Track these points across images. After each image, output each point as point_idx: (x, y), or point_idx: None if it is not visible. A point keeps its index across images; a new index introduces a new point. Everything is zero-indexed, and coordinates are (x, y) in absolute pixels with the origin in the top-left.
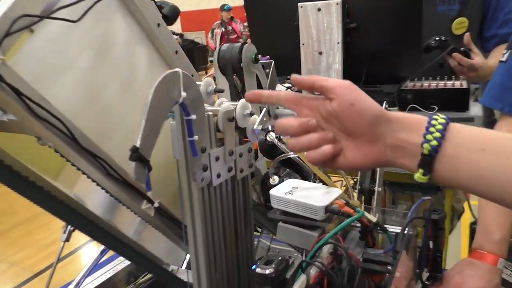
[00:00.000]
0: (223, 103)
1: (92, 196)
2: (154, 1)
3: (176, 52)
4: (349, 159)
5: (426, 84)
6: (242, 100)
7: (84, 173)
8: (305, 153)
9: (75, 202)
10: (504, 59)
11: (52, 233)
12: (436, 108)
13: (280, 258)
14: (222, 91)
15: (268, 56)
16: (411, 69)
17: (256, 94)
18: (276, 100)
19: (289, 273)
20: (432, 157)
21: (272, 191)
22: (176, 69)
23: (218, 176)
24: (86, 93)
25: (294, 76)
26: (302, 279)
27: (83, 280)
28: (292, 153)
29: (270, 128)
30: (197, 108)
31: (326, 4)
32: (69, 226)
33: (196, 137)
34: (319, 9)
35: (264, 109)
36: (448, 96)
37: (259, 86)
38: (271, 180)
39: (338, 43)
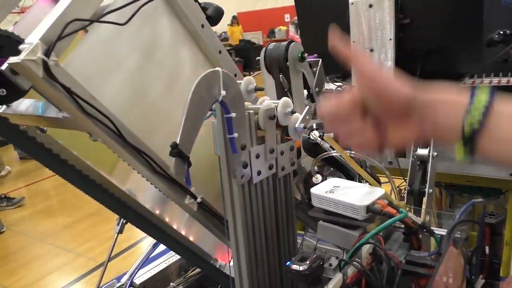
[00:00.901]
0: (265, 101)
1: (144, 191)
2: (199, 3)
3: (220, 52)
4: (391, 139)
5: (487, 80)
6: (284, 98)
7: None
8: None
9: (127, 196)
10: None
11: (115, 226)
12: None
13: (315, 255)
14: (261, 89)
15: (316, 55)
16: (471, 65)
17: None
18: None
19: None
20: (473, 139)
21: (312, 190)
22: (216, 68)
23: (259, 173)
24: (133, 92)
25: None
26: (338, 277)
27: (137, 271)
28: (335, 151)
29: (314, 126)
30: (237, 106)
31: (379, 0)
32: (122, 219)
33: (235, 135)
34: (370, 5)
35: (307, 107)
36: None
37: (306, 85)
38: (314, 179)
39: (390, 39)
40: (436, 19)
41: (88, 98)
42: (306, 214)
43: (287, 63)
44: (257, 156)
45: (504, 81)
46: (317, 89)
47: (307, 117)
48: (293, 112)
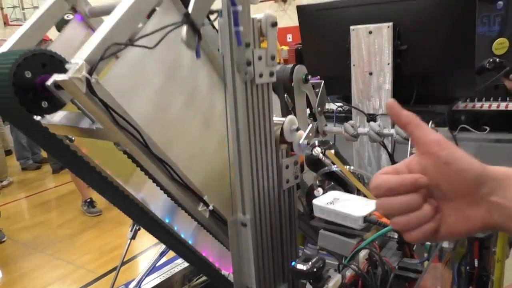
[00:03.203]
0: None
1: (156, 199)
2: (216, 30)
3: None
4: (451, 226)
5: (478, 105)
6: (290, 116)
7: (151, 176)
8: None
9: (142, 204)
10: None
11: (114, 239)
12: (488, 129)
13: (317, 257)
14: None
15: (318, 77)
16: (463, 89)
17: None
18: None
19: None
20: None
21: (314, 201)
22: None
23: (261, 75)
24: (156, 108)
25: (392, 103)
26: (337, 278)
27: (144, 279)
28: (335, 166)
29: (316, 143)
30: (243, 2)
31: (378, 27)
32: (135, 226)
33: (241, 27)
34: (370, 32)
35: (310, 125)
36: (502, 118)
37: (309, 104)
38: (315, 192)
39: (388, 64)
40: (431, 46)
41: (121, 112)
42: (307, 225)
43: (292, 84)
44: (260, 58)
45: (494, 105)
46: (319, 108)
47: (310, 135)
48: (297, 129)
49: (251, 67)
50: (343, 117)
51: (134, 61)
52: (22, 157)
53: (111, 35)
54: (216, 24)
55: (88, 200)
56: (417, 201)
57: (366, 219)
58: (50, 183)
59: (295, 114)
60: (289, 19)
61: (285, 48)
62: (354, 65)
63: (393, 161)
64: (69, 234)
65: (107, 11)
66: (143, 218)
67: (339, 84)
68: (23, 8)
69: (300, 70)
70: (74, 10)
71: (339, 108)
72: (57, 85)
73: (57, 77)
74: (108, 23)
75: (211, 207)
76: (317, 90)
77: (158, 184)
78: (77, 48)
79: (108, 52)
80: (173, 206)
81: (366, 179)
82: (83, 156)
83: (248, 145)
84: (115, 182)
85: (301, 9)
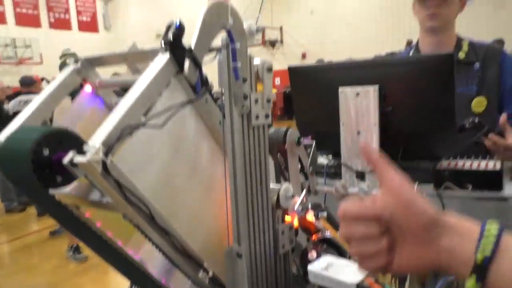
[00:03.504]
0: None
1: (153, 260)
2: (218, 106)
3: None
4: (403, 262)
5: (460, 163)
6: (286, 185)
7: (154, 243)
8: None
9: (139, 264)
10: None
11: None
12: (471, 187)
13: None
14: None
15: (310, 137)
16: (445, 148)
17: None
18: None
19: None
20: (485, 267)
21: (310, 267)
22: (225, 1)
23: (257, 117)
24: (163, 180)
25: (364, 146)
26: None
27: None
28: (328, 232)
29: (309, 206)
30: (241, 40)
31: (364, 90)
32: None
33: (239, 63)
34: (357, 94)
35: (304, 190)
36: (482, 177)
37: (301, 164)
38: (309, 256)
39: (375, 124)
40: (414, 108)
41: (132, 188)
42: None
43: (285, 146)
44: (256, 101)
45: (475, 165)
46: (311, 168)
47: (304, 200)
48: (292, 196)
49: (247, 100)
50: (333, 172)
51: (144, 139)
52: (7, 199)
53: (126, 118)
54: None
55: (74, 245)
56: (376, 233)
57: (359, 286)
58: (34, 226)
59: (288, 174)
60: (277, 63)
61: (274, 91)
62: (343, 124)
63: None
64: (53, 281)
65: (116, 84)
66: (140, 280)
67: (329, 140)
68: (15, 46)
69: (293, 133)
70: (85, 81)
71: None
72: (73, 163)
73: (75, 158)
74: (122, 106)
75: (210, 274)
76: (308, 150)
77: (161, 250)
78: (87, 119)
79: (123, 133)
80: (170, 266)
81: None
82: (86, 222)
83: (246, 210)
84: (114, 245)
85: (292, 70)
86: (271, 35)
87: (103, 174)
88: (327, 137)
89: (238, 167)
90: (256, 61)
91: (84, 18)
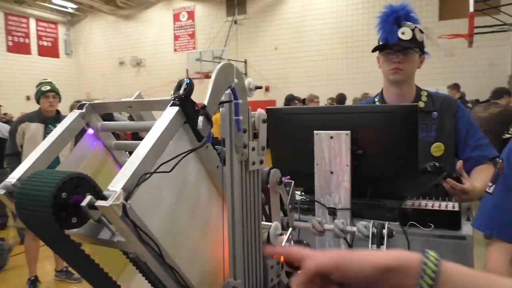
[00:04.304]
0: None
1: None
2: (217, 151)
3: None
4: None
5: (423, 203)
6: (275, 223)
7: (157, 280)
8: None
9: None
10: (490, 191)
11: None
12: (432, 226)
13: None
14: None
15: (288, 177)
16: (409, 189)
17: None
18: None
19: None
20: None
21: None
22: (232, 63)
23: (253, 163)
24: (168, 220)
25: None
26: None
27: None
28: None
29: (292, 243)
30: (242, 96)
31: (337, 134)
32: None
33: (241, 117)
34: (331, 137)
35: (290, 229)
36: (442, 217)
37: (281, 202)
38: None
39: (347, 165)
40: (382, 152)
41: (144, 229)
42: None
43: (268, 185)
44: (253, 149)
45: (436, 205)
46: (290, 206)
47: (290, 237)
48: (281, 234)
49: (246, 149)
50: (306, 208)
51: (153, 182)
52: None
53: (141, 167)
54: None
55: (33, 278)
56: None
57: None
58: None
59: (270, 210)
60: None
61: None
62: (317, 164)
63: None
64: None
65: (116, 128)
66: None
67: (303, 179)
68: None
69: (275, 173)
70: (87, 125)
71: (302, 199)
72: (90, 205)
73: (97, 202)
74: (138, 154)
75: None
76: (287, 188)
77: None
78: (89, 159)
79: (141, 180)
80: None
81: None
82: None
83: (242, 247)
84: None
85: (270, 111)
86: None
87: (122, 217)
88: (302, 176)
89: (236, 207)
90: (253, 114)
91: (45, 43)
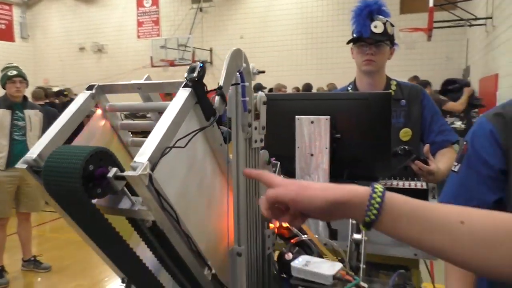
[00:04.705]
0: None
1: (144, 259)
2: (221, 131)
3: (228, 162)
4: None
5: (395, 183)
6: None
7: (170, 244)
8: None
9: None
10: (456, 169)
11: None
12: None
13: None
14: None
15: (274, 158)
16: (382, 170)
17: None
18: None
19: None
20: (372, 223)
21: (293, 264)
22: (240, 49)
23: (255, 141)
24: (181, 191)
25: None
26: None
27: None
28: (305, 236)
29: None
30: (248, 80)
31: (317, 118)
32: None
33: (247, 98)
34: (312, 122)
35: None
36: (411, 195)
37: None
38: (286, 256)
39: (326, 148)
40: (358, 135)
41: (165, 197)
42: (279, 286)
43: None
44: (256, 128)
45: (406, 184)
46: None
47: None
48: None
49: (251, 127)
50: None
51: (170, 157)
52: None
53: (162, 142)
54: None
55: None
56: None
57: (335, 277)
58: None
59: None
60: (206, 83)
61: None
62: (298, 147)
63: (330, 227)
64: None
65: (123, 108)
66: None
67: (285, 161)
68: None
69: (265, 154)
70: (96, 106)
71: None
72: (117, 176)
73: (126, 173)
74: (159, 130)
75: (213, 271)
76: (274, 169)
77: (173, 251)
78: (99, 136)
79: (164, 153)
80: (159, 267)
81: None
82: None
83: (246, 216)
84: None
85: None
86: (201, 56)
87: (148, 186)
88: (285, 158)
89: (241, 180)
90: (254, 95)
91: None
